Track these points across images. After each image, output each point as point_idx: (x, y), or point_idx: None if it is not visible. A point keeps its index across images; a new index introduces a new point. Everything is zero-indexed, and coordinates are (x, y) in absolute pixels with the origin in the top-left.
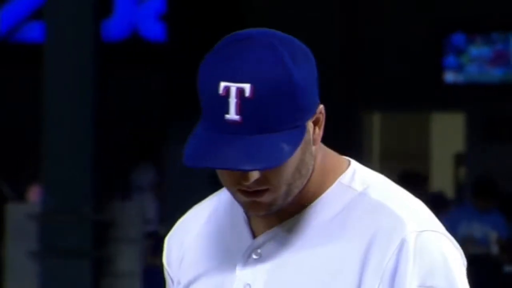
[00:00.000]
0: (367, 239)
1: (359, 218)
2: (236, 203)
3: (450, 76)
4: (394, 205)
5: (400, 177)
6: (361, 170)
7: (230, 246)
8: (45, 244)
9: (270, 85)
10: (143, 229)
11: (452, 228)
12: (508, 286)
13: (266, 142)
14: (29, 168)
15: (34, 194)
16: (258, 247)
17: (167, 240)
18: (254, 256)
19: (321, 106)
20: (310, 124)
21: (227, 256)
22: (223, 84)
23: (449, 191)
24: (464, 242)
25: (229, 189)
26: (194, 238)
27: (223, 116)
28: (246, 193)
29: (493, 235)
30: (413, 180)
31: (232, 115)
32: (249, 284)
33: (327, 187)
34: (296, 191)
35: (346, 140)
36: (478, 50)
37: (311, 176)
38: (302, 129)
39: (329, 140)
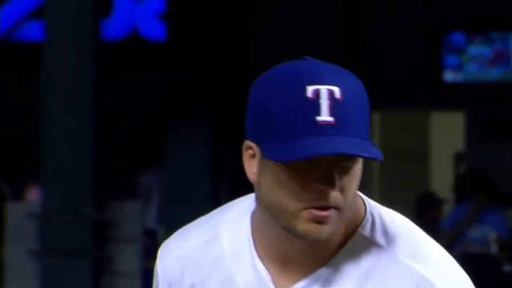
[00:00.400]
0: None
1: (389, 281)
2: (246, 254)
3: (449, 76)
4: (424, 267)
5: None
6: (378, 216)
7: None
8: (45, 244)
9: (354, 91)
10: (143, 229)
11: (451, 227)
12: (508, 286)
13: (361, 142)
14: (29, 168)
15: (33, 194)
16: None
17: (162, 265)
18: None
19: None
20: None
21: None
22: (311, 88)
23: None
24: (463, 242)
25: (291, 213)
26: (200, 283)
27: (313, 119)
28: (315, 212)
29: (492, 235)
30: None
31: (325, 116)
32: None
33: (347, 235)
34: (345, 217)
35: None
36: (477, 49)
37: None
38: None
39: None
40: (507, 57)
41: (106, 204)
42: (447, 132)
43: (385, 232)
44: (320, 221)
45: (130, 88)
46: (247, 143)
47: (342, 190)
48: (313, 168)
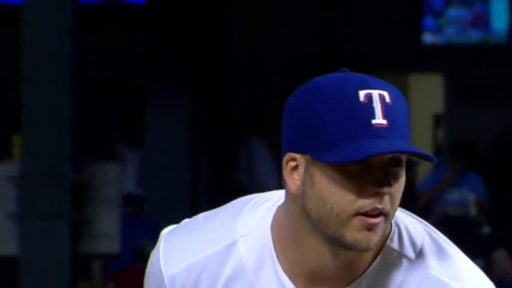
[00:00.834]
0: None
1: None
2: (269, 267)
3: (428, 38)
4: (458, 285)
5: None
6: (403, 226)
7: None
8: (23, 205)
9: (399, 97)
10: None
11: (429, 189)
12: (486, 247)
13: (411, 145)
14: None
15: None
16: None
17: (170, 272)
18: None
19: None
20: None
21: None
22: (363, 92)
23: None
24: (442, 204)
25: (342, 220)
26: None
27: (369, 122)
28: (367, 219)
29: (471, 197)
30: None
31: (380, 119)
32: None
33: (376, 249)
34: (389, 227)
35: None
36: (456, 11)
37: None
38: None
39: None
40: (486, 20)
41: (85, 166)
42: (427, 94)
43: (413, 244)
44: (370, 228)
45: (108, 53)
46: (290, 155)
47: (391, 197)
48: (368, 172)
